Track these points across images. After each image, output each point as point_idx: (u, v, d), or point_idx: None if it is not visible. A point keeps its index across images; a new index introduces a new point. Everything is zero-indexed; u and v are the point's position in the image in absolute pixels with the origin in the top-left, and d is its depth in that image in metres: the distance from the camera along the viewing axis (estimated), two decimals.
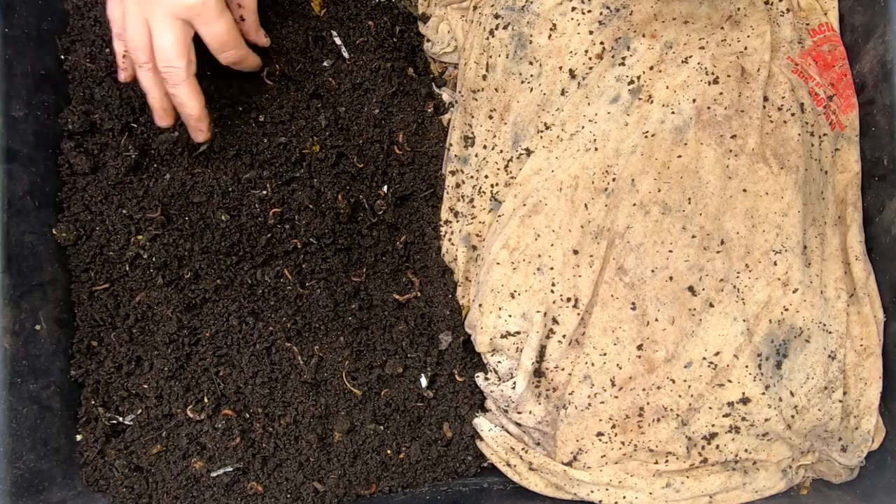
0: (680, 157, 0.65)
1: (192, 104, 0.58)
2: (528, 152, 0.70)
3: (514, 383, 0.65)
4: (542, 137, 0.69)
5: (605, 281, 0.64)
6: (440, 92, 0.78)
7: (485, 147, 0.73)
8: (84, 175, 0.68)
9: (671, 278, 0.64)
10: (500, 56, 0.72)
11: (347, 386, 0.69)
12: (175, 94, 0.58)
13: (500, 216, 0.69)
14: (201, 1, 0.54)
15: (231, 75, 0.67)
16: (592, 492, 0.65)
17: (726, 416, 0.63)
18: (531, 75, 0.71)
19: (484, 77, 0.73)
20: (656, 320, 0.63)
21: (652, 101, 0.67)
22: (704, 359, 0.63)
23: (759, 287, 0.63)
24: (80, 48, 0.69)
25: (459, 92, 0.75)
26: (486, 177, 0.71)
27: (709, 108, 0.66)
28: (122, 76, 0.61)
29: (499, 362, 0.67)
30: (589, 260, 0.65)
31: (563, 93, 0.70)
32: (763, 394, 0.62)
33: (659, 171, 0.65)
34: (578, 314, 0.64)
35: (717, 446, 0.64)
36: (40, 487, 0.64)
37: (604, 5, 0.70)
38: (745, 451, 0.64)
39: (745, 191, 0.64)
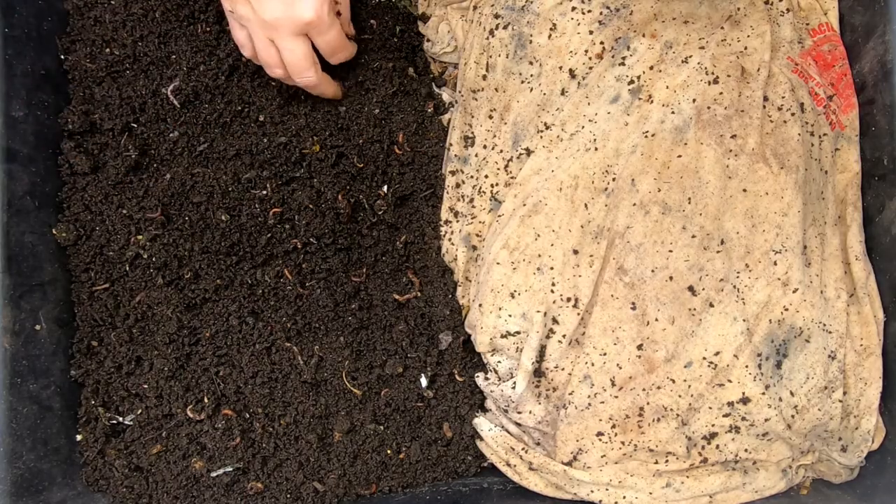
0: (680, 156, 0.65)
1: (330, 92, 0.69)
2: (528, 152, 0.70)
3: (514, 383, 0.65)
4: (542, 137, 0.69)
5: (605, 281, 0.64)
6: (440, 92, 0.78)
7: (485, 147, 0.73)
8: (84, 175, 0.68)
9: (671, 278, 0.64)
10: (500, 56, 0.72)
11: (347, 386, 0.69)
12: (314, 90, 0.67)
13: (500, 216, 0.69)
14: (317, 16, 0.60)
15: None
16: (592, 492, 0.65)
17: (726, 415, 0.63)
18: (531, 75, 0.71)
19: (484, 77, 0.73)
20: (656, 320, 0.63)
21: (652, 101, 0.67)
22: (704, 359, 0.63)
23: (759, 287, 0.63)
24: (80, 48, 0.69)
25: (459, 92, 0.75)
26: (486, 177, 0.71)
27: (709, 107, 0.66)
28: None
29: (499, 362, 0.67)
30: (589, 260, 0.65)
31: (563, 93, 0.70)
32: (763, 394, 0.62)
33: (659, 171, 0.65)
34: (578, 314, 0.64)
35: (717, 446, 0.64)
36: (40, 487, 0.64)
37: (604, 5, 0.70)
38: (745, 450, 0.64)
39: (745, 191, 0.64)
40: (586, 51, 0.70)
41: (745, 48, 0.68)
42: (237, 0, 0.60)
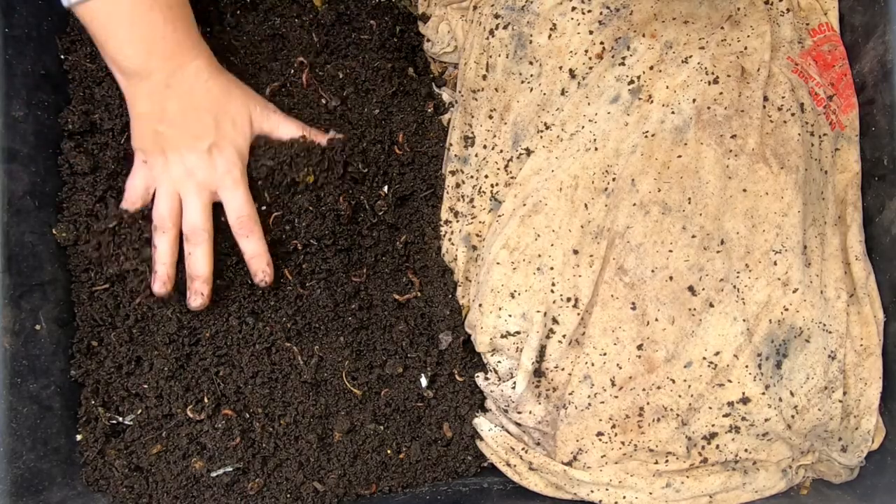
0: (680, 157, 0.65)
1: (203, 264, 0.63)
2: (528, 152, 0.70)
3: (514, 383, 0.65)
4: (542, 137, 0.69)
5: (605, 281, 0.64)
6: (440, 92, 0.78)
7: (485, 147, 0.73)
8: (84, 175, 0.68)
9: (671, 278, 0.64)
10: (500, 56, 0.72)
11: (347, 386, 0.69)
12: (193, 252, 0.63)
13: (500, 216, 0.69)
14: (227, 169, 0.62)
15: None
16: (592, 492, 0.65)
17: (726, 416, 0.63)
18: (531, 75, 0.71)
19: (484, 77, 0.73)
20: (656, 320, 0.63)
21: (652, 101, 0.67)
22: (704, 359, 0.63)
23: (759, 287, 0.63)
24: (80, 48, 0.69)
25: (459, 92, 0.75)
26: (486, 177, 0.71)
27: (709, 107, 0.66)
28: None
29: (499, 362, 0.67)
30: (589, 260, 0.65)
31: (563, 93, 0.70)
32: (763, 394, 0.62)
33: (659, 171, 0.65)
34: (578, 314, 0.64)
35: (717, 446, 0.64)
36: (40, 487, 0.64)
37: (604, 5, 0.70)
38: (745, 450, 0.64)
39: (745, 191, 0.64)
40: (586, 51, 0.70)
41: (745, 48, 0.68)
42: (152, 152, 0.61)
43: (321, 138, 0.67)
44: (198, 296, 0.63)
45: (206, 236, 0.62)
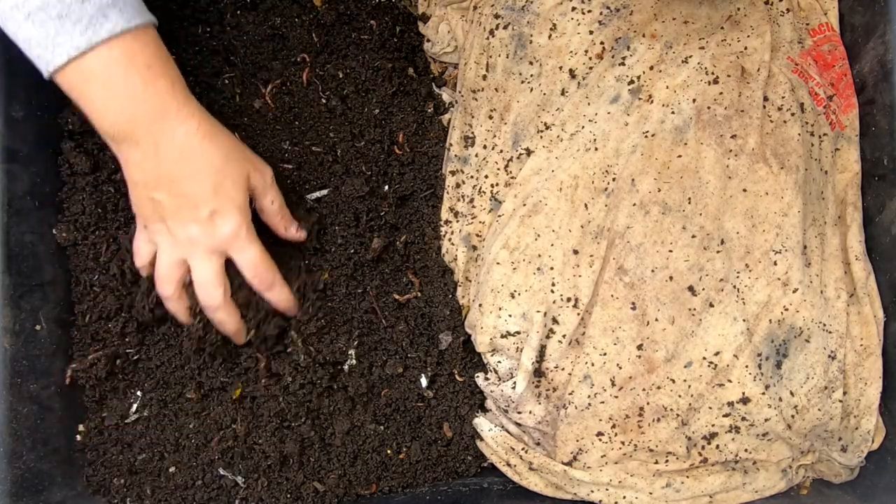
0: (680, 156, 0.65)
1: (230, 322, 0.61)
2: (529, 152, 0.70)
3: (514, 383, 0.65)
4: (542, 137, 0.69)
5: (605, 281, 0.64)
6: (440, 92, 0.78)
7: (485, 147, 0.73)
8: (84, 175, 0.67)
9: (671, 278, 0.64)
10: (500, 56, 0.72)
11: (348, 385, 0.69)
12: (213, 317, 0.61)
13: (500, 216, 0.69)
14: (234, 232, 0.58)
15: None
16: (592, 492, 0.65)
17: (726, 415, 0.63)
18: (531, 75, 0.71)
19: (484, 77, 0.73)
20: (656, 320, 0.63)
21: (652, 101, 0.67)
22: (704, 359, 0.63)
23: (759, 287, 0.63)
24: None
25: (459, 92, 0.75)
26: (486, 177, 0.71)
27: (709, 107, 0.66)
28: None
29: (499, 362, 0.67)
30: (589, 260, 0.65)
31: (563, 93, 0.70)
32: (763, 394, 0.62)
33: (659, 171, 0.65)
34: (578, 314, 0.64)
35: (717, 446, 0.64)
36: (40, 487, 0.64)
37: (604, 5, 0.70)
38: (746, 450, 0.64)
39: (745, 191, 0.64)
40: (586, 51, 0.70)
41: (745, 48, 0.68)
42: (151, 218, 0.58)
43: (293, 233, 0.65)
44: (238, 338, 0.63)
45: (221, 299, 0.59)
